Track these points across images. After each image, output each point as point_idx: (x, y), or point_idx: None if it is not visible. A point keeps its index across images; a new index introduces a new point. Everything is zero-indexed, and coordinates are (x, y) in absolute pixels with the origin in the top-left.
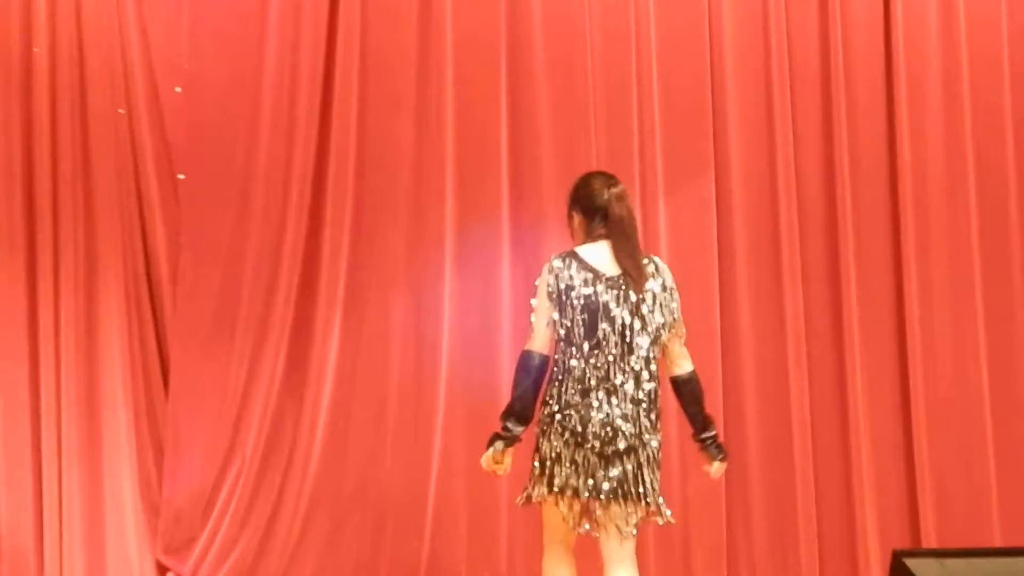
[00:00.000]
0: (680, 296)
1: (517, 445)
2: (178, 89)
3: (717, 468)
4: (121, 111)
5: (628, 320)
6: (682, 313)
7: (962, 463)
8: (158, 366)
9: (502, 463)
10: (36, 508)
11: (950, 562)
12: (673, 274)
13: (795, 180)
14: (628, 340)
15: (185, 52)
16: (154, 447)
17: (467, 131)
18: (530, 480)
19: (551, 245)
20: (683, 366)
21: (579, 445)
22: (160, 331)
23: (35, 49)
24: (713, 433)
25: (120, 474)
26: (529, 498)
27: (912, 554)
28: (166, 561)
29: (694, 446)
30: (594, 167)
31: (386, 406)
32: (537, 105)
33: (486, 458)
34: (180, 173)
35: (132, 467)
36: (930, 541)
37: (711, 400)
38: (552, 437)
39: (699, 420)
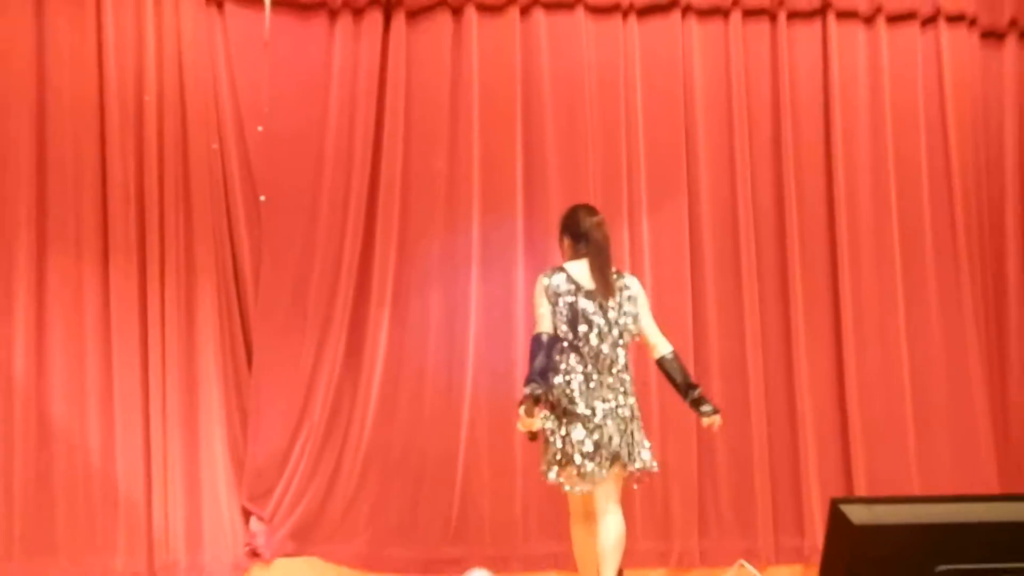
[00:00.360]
0: (659, 292)
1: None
2: (260, 128)
3: (712, 421)
4: (215, 146)
5: (600, 322)
6: (660, 307)
7: (886, 429)
8: (243, 349)
9: (533, 417)
10: (145, 465)
11: (876, 507)
12: (654, 275)
13: (751, 202)
14: (599, 340)
15: (266, 99)
16: (240, 415)
17: (489, 164)
18: (547, 467)
19: (555, 254)
20: (660, 348)
21: (575, 421)
22: (245, 322)
23: (146, 97)
24: (697, 396)
25: (213, 436)
26: (548, 473)
27: (846, 501)
28: (250, 507)
29: (673, 416)
30: (591, 192)
31: (424, 384)
32: (545, 143)
33: (522, 418)
34: (261, 196)
35: (222, 431)
36: (861, 491)
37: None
38: (554, 415)
39: (684, 388)
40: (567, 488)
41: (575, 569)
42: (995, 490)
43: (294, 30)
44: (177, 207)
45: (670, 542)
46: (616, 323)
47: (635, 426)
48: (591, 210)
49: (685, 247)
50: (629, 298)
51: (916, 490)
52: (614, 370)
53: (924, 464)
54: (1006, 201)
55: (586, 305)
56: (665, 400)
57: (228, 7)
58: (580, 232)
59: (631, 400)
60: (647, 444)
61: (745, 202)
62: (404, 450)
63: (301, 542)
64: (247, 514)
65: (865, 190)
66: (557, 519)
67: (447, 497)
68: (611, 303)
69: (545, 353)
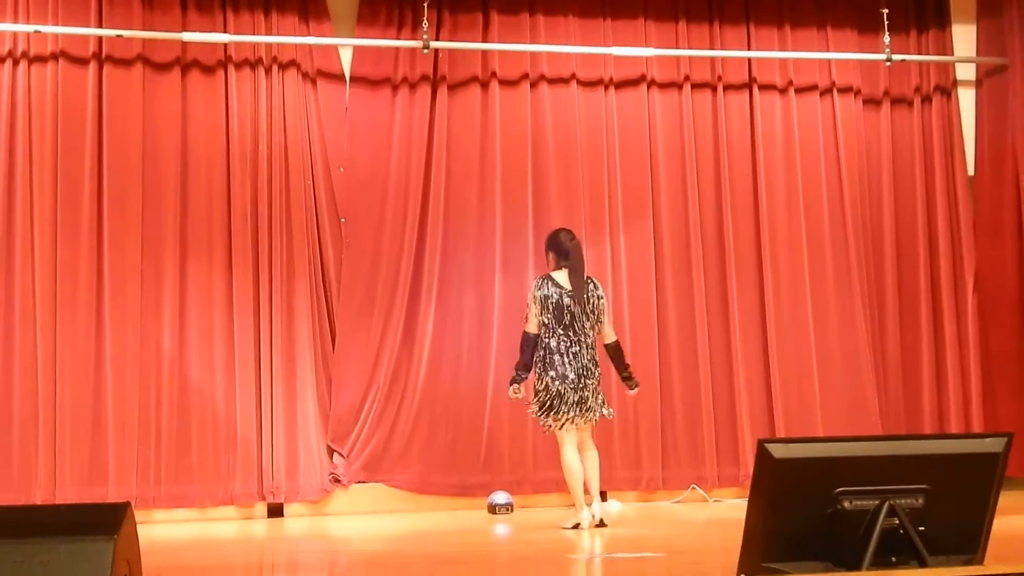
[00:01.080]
0: (632, 287)
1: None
2: (341, 170)
3: (635, 391)
4: (308, 183)
5: (578, 314)
6: (629, 304)
7: (798, 387)
8: (329, 331)
9: (520, 393)
10: (257, 415)
11: (791, 445)
12: (628, 275)
13: (699, 223)
14: (579, 326)
15: (346, 149)
16: (326, 379)
17: (508, 197)
18: (541, 415)
19: None
20: (610, 337)
21: (563, 383)
22: (330, 311)
23: (260, 147)
24: (628, 374)
25: (306, 394)
26: (547, 422)
27: (769, 441)
28: (333, 446)
29: (641, 378)
30: (582, 217)
31: (460, 358)
32: (549, 180)
33: (511, 392)
34: (342, 218)
35: (314, 390)
36: (781, 433)
37: (650, 354)
38: (551, 383)
39: (621, 368)
40: (557, 430)
41: (568, 490)
42: (878, 431)
43: (367, 99)
44: (281, 227)
45: (640, 471)
46: (588, 314)
47: (595, 387)
48: (570, 233)
49: (650, 255)
50: (598, 297)
51: (820, 431)
52: (587, 347)
53: (826, 412)
54: (884, 222)
55: (568, 302)
56: (636, 367)
57: (320, 83)
58: (562, 250)
59: (598, 370)
60: (603, 398)
61: (695, 223)
62: (445, 405)
63: (370, 472)
64: (331, 451)
65: (782, 215)
66: (557, 454)
67: (477, 438)
68: (586, 300)
69: (530, 351)
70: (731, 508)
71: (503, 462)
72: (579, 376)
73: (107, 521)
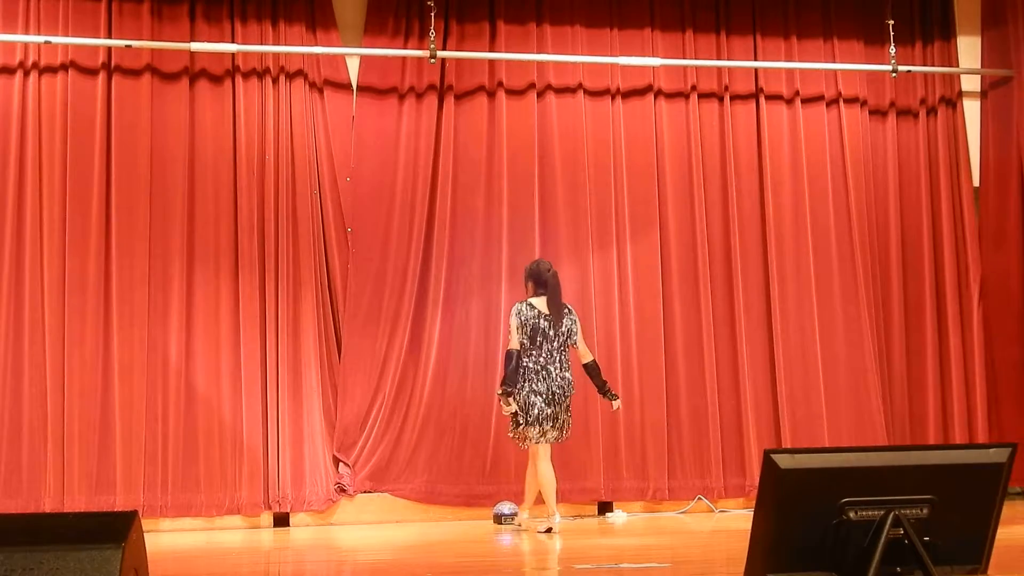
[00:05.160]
0: (638, 297)
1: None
2: (348, 179)
3: (617, 406)
4: (315, 192)
5: (552, 336)
6: (635, 314)
7: (804, 398)
8: (335, 340)
9: (512, 407)
10: (263, 424)
11: (797, 455)
12: (635, 285)
13: (706, 233)
14: (553, 348)
15: (352, 158)
16: (332, 388)
17: (514, 205)
18: (519, 429)
19: (565, 275)
20: (586, 357)
21: (538, 397)
22: (336, 320)
23: (267, 156)
24: (606, 390)
25: (312, 403)
26: (526, 439)
27: (775, 451)
28: (339, 456)
29: (648, 388)
30: (589, 228)
31: (466, 366)
32: (556, 190)
33: (504, 409)
34: (348, 227)
35: (319, 399)
36: (787, 443)
37: (656, 364)
38: (526, 397)
39: (599, 385)
40: (533, 443)
41: (576, 500)
42: (883, 441)
43: (374, 108)
44: (287, 236)
45: (646, 481)
46: (559, 335)
47: (567, 404)
48: (548, 264)
49: (657, 264)
50: (572, 321)
51: (826, 442)
52: (560, 367)
53: (831, 422)
54: (890, 232)
55: (544, 325)
56: (643, 378)
57: (327, 92)
58: (541, 280)
59: (571, 389)
60: (567, 420)
61: (701, 233)
62: (452, 414)
63: (376, 481)
64: (337, 461)
65: (789, 225)
66: (563, 465)
67: (483, 448)
68: (560, 324)
69: (515, 366)
70: (737, 518)
71: (509, 472)
72: (553, 394)
73: (115, 529)
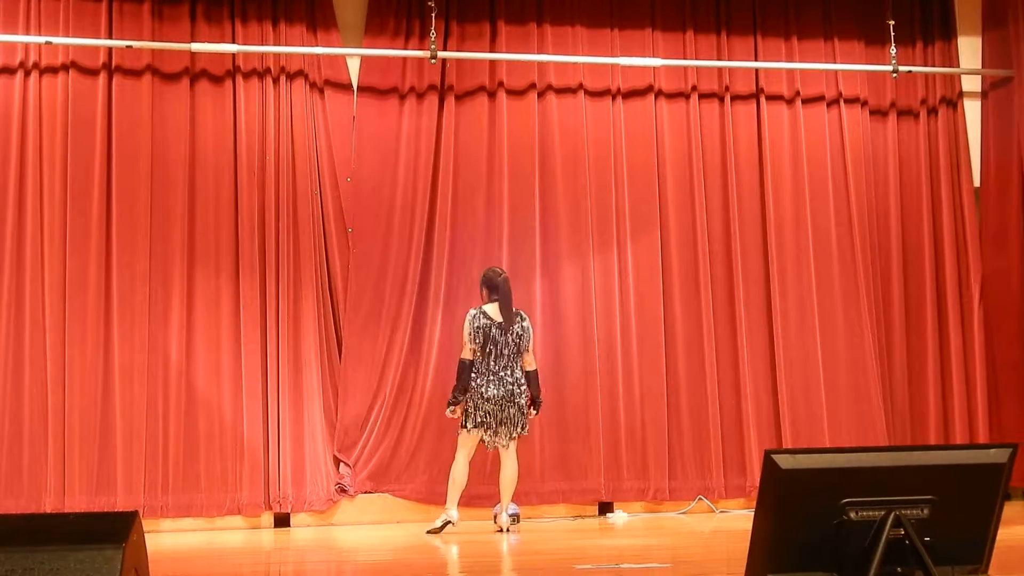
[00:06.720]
0: (639, 296)
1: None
2: (348, 179)
3: (533, 415)
4: (315, 192)
5: (503, 341)
6: (636, 314)
7: (805, 397)
8: (335, 340)
9: (456, 414)
10: (264, 424)
11: (798, 456)
12: (636, 284)
13: (706, 233)
14: (505, 353)
15: (353, 158)
16: (333, 388)
17: (515, 206)
18: (464, 420)
19: (566, 275)
20: (530, 365)
21: (487, 403)
22: (336, 320)
23: (268, 156)
24: (538, 401)
25: (313, 404)
26: (464, 426)
27: (776, 451)
28: (339, 456)
29: (649, 390)
30: (589, 228)
31: None
32: (556, 191)
33: (448, 412)
34: (349, 227)
35: (320, 400)
36: (787, 443)
37: (657, 364)
38: (473, 400)
39: (534, 394)
40: (465, 433)
41: (577, 501)
42: (884, 442)
43: (374, 108)
44: (288, 237)
45: (647, 482)
46: (512, 343)
47: (523, 403)
48: (500, 271)
49: (658, 265)
50: (523, 327)
51: (827, 442)
52: (511, 371)
53: (832, 423)
54: (890, 233)
55: (496, 332)
56: (643, 378)
57: (327, 93)
58: (493, 286)
59: (523, 393)
60: (524, 418)
61: (702, 234)
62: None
63: (377, 481)
64: (337, 461)
65: (789, 226)
66: (564, 465)
67: (484, 448)
68: (511, 330)
69: (466, 375)
70: (738, 519)
71: None
72: (502, 397)
73: (115, 529)
